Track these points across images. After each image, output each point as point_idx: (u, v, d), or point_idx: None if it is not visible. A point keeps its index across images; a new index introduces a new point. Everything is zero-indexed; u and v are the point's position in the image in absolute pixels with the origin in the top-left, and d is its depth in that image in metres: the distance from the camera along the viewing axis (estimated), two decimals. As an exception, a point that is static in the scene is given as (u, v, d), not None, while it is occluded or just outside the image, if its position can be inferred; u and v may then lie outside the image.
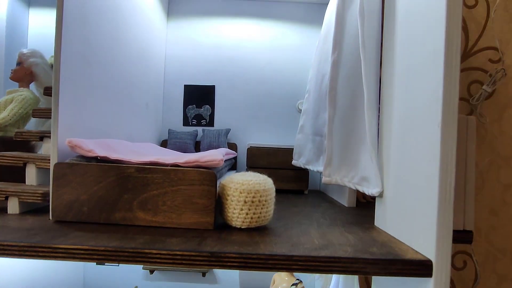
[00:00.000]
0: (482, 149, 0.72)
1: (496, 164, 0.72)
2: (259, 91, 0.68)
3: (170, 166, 0.32)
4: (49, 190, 0.33)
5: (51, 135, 0.33)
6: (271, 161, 0.59)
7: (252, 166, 0.59)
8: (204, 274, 0.65)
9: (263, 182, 0.31)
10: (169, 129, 0.66)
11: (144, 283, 0.67)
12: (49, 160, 0.34)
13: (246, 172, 0.34)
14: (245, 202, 0.30)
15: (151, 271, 0.66)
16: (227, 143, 0.65)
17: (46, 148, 0.37)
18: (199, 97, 0.68)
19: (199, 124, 0.68)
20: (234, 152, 0.62)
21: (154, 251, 0.25)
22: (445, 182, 0.25)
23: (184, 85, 0.68)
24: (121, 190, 0.31)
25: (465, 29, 0.69)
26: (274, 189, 0.33)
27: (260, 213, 0.31)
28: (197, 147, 0.65)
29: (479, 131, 0.72)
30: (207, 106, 0.68)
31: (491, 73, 0.70)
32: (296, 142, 0.58)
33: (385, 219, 0.34)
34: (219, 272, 0.66)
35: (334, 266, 0.25)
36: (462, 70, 0.71)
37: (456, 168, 0.26)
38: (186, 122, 0.68)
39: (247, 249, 0.26)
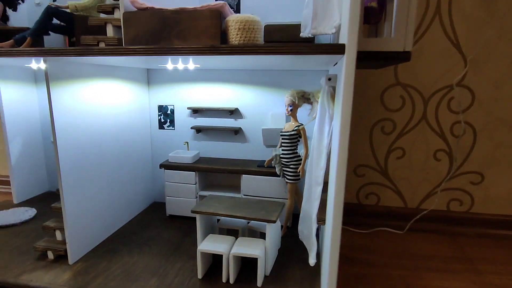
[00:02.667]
0: (491, 23, 0.76)
1: (506, 37, 0.77)
2: None
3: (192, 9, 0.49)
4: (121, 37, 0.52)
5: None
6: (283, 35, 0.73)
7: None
8: (236, 132, 0.86)
9: (252, 16, 0.46)
10: None
11: (192, 142, 0.90)
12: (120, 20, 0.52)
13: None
14: (238, 29, 0.46)
15: (197, 131, 0.88)
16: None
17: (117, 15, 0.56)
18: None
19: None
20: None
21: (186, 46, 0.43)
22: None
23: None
24: (163, 27, 0.49)
25: None
26: (262, 24, 0.48)
27: (250, 37, 0.46)
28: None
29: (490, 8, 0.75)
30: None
31: None
32: (303, 17, 0.70)
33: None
34: (249, 129, 0.86)
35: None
36: None
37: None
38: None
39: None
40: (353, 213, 0.91)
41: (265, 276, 0.60)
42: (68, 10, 0.63)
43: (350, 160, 0.86)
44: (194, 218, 0.64)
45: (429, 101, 0.84)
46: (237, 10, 0.81)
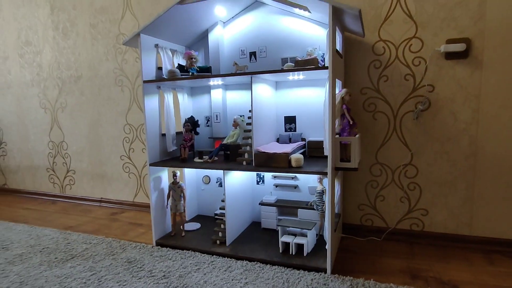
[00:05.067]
0: (423, 134, 1.54)
1: (432, 139, 1.54)
2: (318, 115, 1.67)
3: (278, 153, 1.39)
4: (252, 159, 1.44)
5: (252, 145, 1.44)
6: (318, 146, 1.60)
7: (309, 147, 1.61)
8: (295, 187, 1.73)
9: (299, 155, 1.35)
10: (279, 134, 1.74)
11: (274, 191, 1.80)
12: (251, 152, 1.45)
13: (297, 154, 1.38)
14: (295, 160, 1.34)
15: (276, 186, 1.78)
16: (301, 138, 1.69)
17: (246, 150, 1.49)
18: (290, 120, 1.73)
19: (290, 130, 1.73)
20: (304, 142, 1.65)
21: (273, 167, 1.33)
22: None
23: (284, 116, 1.74)
24: (266, 159, 1.40)
25: (413, 76, 1.53)
26: (302, 157, 1.36)
27: (299, 162, 1.35)
28: (290, 141, 1.71)
29: (420, 126, 1.54)
30: (293, 124, 1.72)
31: (421, 100, 1.52)
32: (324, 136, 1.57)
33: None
34: (301, 186, 1.73)
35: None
36: (412, 97, 1.54)
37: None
38: (286, 130, 1.74)
39: (299, 169, 1.31)
40: (357, 230, 1.70)
41: (308, 252, 1.44)
42: (229, 143, 1.60)
43: (355, 201, 1.69)
44: (276, 230, 1.52)
45: (394, 172, 1.62)
46: (294, 130, 1.72)
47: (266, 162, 1.42)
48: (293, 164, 1.37)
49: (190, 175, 1.96)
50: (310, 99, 1.67)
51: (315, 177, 1.63)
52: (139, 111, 2.21)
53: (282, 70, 1.35)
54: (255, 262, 1.41)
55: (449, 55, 1.48)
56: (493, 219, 1.49)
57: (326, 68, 1.23)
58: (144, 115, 1.58)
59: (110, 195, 2.41)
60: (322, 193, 1.55)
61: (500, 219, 1.48)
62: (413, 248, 1.54)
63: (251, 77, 1.41)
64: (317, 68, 1.27)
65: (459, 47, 1.44)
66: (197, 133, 1.79)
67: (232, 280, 1.26)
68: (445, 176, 1.55)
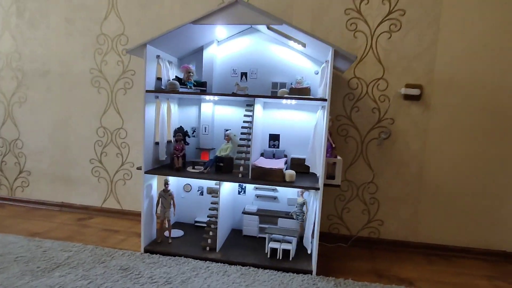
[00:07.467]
0: (384, 158, 1.87)
1: (390, 163, 1.88)
2: (300, 135, 1.89)
3: (274, 168, 1.57)
4: (249, 172, 1.59)
5: (250, 158, 1.59)
6: (300, 163, 1.82)
7: (293, 163, 1.82)
8: (274, 198, 1.93)
9: (292, 171, 1.55)
10: (264, 150, 1.91)
11: (255, 201, 1.96)
12: (249, 167, 1.60)
13: (289, 169, 1.58)
14: (289, 176, 1.54)
15: (257, 196, 1.95)
16: (284, 155, 1.89)
17: (241, 164, 1.64)
18: (274, 138, 1.92)
19: (274, 147, 1.92)
20: (287, 158, 1.86)
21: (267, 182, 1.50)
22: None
23: (269, 134, 1.93)
24: (262, 173, 1.56)
25: (379, 110, 1.84)
26: (295, 173, 1.56)
27: (293, 178, 1.54)
28: (274, 156, 1.90)
29: (382, 151, 1.86)
30: (277, 141, 1.92)
31: (384, 130, 1.84)
32: (307, 155, 1.79)
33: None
34: (280, 198, 1.93)
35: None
36: (377, 127, 1.85)
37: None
38: (270, 146, 1.93)
39: (292, 184, 1.50)
40: (325, 237, 1.97)
41: (292, 257, 1.64)
42: (223, 156, 1.72)
43: (325, 211, 1.95)
44: (256, 237, 1.69)
45: (359, 188, 1.93)
46: (278, 146, 1.92)
47: (262, 176, 1.58)
48: (287, 179, 1.57)
49: (171, 183, 2.00)
50: (293, 120, 1.89)
51: (294, 190, 1.85)
52: (116, 115, 2.17)
53: (286, 97, 1.55)
54: (248, 267, 1.55)
55: (407, 97, 1.85)
56: (433, 229, 1.88)
57: (325, 100, 1.46)
58: (143, 124, 1.61)
59: (73, 200, 2.29)
60: (302, 204, 1.77)
61: (438, 228, 1.88)
62: (373, 253, 1.85)
63: (254, 99, 1.57)
64: (316, 99, 1.50)
65: (415, 91, 1.81)
66: (187, 144, 1.86)
67: (233, 283, 1.39)
68: (398, 193, 1.90)
